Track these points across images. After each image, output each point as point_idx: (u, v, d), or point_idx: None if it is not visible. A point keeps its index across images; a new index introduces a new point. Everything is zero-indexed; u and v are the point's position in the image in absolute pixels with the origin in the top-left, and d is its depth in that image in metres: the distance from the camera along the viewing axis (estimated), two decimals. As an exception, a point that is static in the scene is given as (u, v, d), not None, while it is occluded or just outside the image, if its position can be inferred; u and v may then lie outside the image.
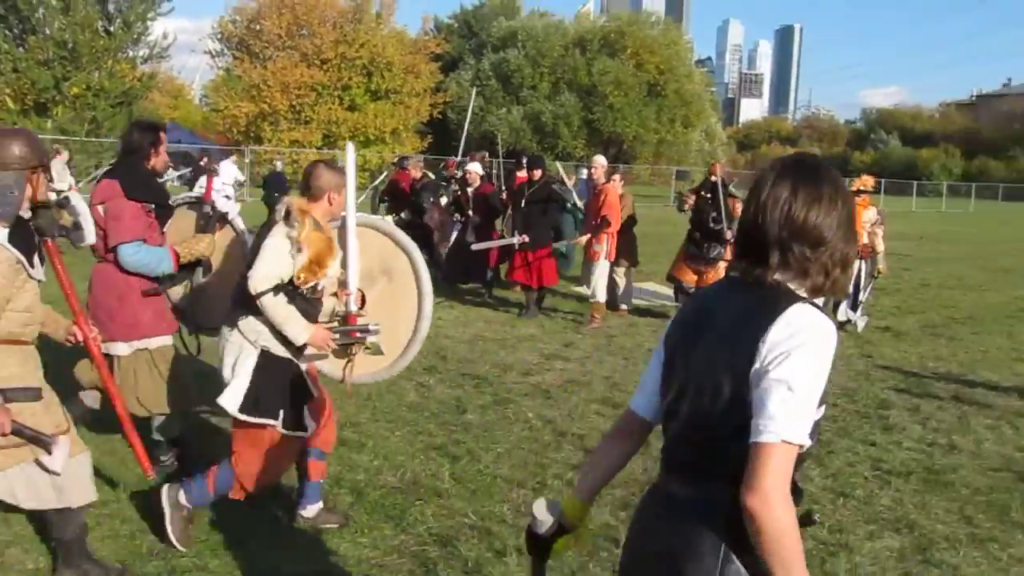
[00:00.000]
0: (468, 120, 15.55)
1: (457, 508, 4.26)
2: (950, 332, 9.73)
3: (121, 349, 4.20)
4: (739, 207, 9.95)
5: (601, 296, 9.44)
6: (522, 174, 10.69)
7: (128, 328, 4.18)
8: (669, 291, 10.43)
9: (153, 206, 4.22)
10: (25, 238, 3.07)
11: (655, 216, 20.80)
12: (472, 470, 4.78)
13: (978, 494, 4.68)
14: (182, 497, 3.69)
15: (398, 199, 13.26)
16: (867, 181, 9.33)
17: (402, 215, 12.36)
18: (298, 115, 40.16)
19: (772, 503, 1.56)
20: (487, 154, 14.54)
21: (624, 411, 2.08)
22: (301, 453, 3.86)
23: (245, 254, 4.15)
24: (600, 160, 10.55)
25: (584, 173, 13.07)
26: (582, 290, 10.22)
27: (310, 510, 3.95)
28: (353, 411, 5.72)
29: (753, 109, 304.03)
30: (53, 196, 3.53)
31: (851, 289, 9.30)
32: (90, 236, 3.81)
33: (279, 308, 3.52)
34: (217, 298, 4.24)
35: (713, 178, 9.41)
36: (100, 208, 4.09)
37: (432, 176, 14.88)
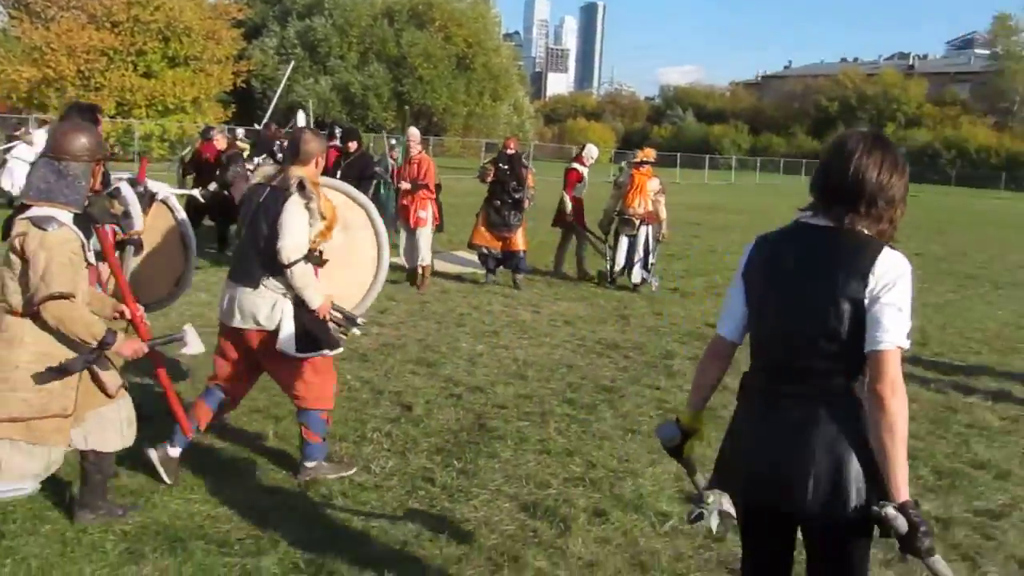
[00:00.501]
0: (282, 88, 15.40)
1: (282, 465, 4.49)
2: (730, 292, 10.77)
3: None
4: (532, 177, 10.74)
5: (429, 259, 9.86)
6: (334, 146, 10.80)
7: None
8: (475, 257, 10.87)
9: None
10: (83, 224, 3.39)
11: (464, 188, 21.25)
12: (293, 430, 5.01)
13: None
14: (305, 473, 4.28)
15: (203, 171, 12.92)
16: (649, 153, 10.09)
17: (209, 188, 12.07)
18: (87, 81, 37.54)
19: (897, 391, 2.16)
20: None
21: (714, 337, 2.59)
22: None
23: (184, 233, 4.68)
24: (414, 132, 10.86)
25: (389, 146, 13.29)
26: (398, 260, 10.47)
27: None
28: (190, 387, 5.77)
29: (560, 83, 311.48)
30: None
31: (642, 252, 10.13)
32: (138, 223, 4.25)
33: (307, 275, 4.03)
34: (150, 276, 4.63)
35: (509, 151, 10.15)
36: None
37: (242, 145, 14.53)
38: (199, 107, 41.82)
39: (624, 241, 10.23)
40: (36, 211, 3.25)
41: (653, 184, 10.12)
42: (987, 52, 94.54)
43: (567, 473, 4.57)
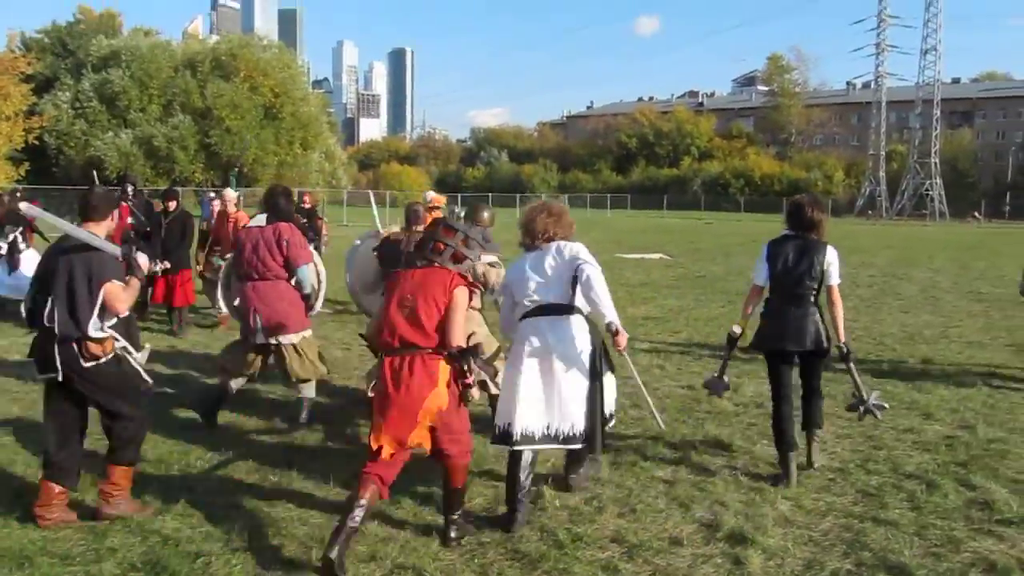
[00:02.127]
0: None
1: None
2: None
3: (292, 339, 6.38)
4: (326, 227, 11.99)
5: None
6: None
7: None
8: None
9: None
10: None
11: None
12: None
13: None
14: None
15: None
16: (439, 200, 10.86)
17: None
18: None
19: (837, 298, 5.47)
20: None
21: (752, 286, 5.65)
22: None
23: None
24: (230, 193, 11.66)
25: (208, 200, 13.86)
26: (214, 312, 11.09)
27: None
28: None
29: (372, 129, 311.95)
30: None
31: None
32: None
33: None
34: None
35: (306, 205, 11.93)
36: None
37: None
38: (-12, 166, 39.73)
39: None
40: None
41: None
42: (766, 88, 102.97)
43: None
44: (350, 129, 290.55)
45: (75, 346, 4.45)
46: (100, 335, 4.50)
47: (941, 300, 14.71)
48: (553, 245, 4.84)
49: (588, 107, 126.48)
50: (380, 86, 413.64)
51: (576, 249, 4.79)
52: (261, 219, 6.62)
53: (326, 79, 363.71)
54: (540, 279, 4.76)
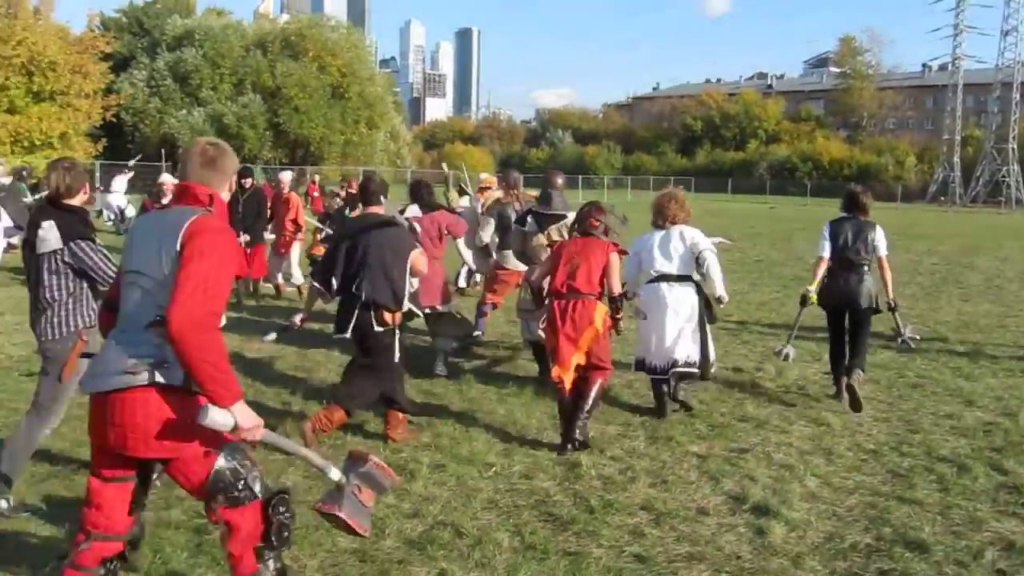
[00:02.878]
0: None
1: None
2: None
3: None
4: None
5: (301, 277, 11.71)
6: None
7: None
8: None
9: None
10: None
11: (343, 215, 22.15)
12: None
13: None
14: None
15: None
16: (491, 181, 11.12)
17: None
18: (-55, 118, 36.68)
19: (888, 264, 7.11)
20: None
21: (819, 257, 6.99)
22: None
23: None
24: (285, 175, 12.37)
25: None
26: (268, 288, 12.27)
27: None
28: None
29: (438, 108, 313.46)
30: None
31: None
32: None
33: None
34: None
35: (351, 191, 12.28)
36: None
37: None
38: (67, 142, 41.07)
39: None
40: None
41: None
42: (837, 70, 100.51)
43: (417, 442, 5.70)
44: (416, 109, 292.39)
45: (373, 314, 5.50)
46: (405, 306, 5.70)
47: (1004, 289, 14.47)
48: (677, 229, 6.49)
49: (654, 89, 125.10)
50: (446, 66, 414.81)
51: (695, 235, 6.43)
52: (414, 209, 8.03)
53: (393, 58, 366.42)
54: (665, 259, 6.40)
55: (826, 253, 6.94)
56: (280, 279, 12.07)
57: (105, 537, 3.06)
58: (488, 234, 8.37)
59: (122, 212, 20.93)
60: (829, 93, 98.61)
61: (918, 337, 7.90)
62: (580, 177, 61.54)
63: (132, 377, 2.85)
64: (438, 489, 4.87)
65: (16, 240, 15.28)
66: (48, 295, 4.37)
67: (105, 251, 4.50)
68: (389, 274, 5.51)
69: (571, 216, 6.96)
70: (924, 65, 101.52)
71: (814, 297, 6.99)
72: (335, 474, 3.26)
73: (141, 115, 52.13)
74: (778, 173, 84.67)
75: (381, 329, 5.54)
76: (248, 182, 11.35)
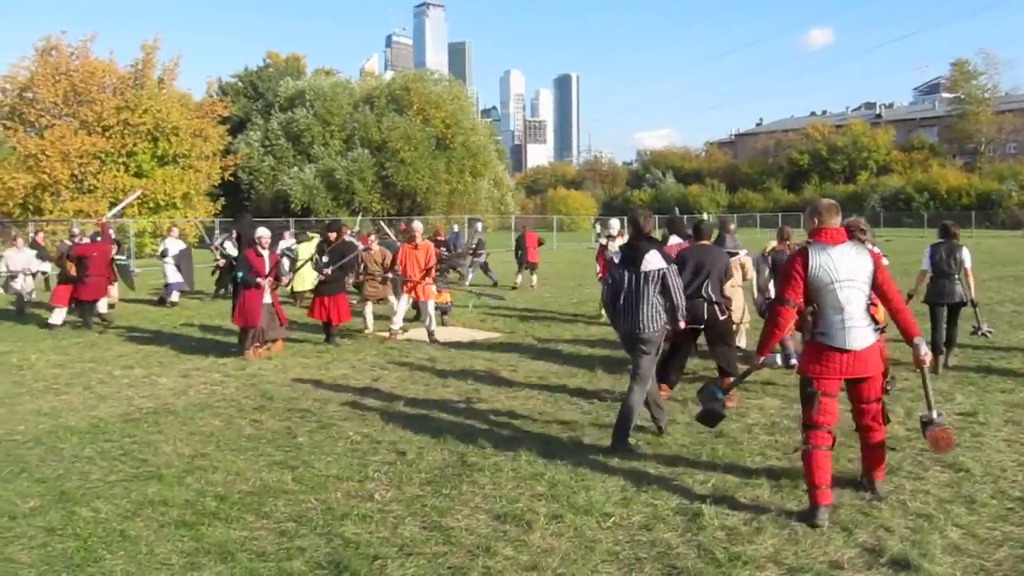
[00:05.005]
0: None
1: (301, 499, 5.53)
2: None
3: None
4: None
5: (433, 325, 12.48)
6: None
7: None
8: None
9: None
10: None
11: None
12: (308, 474, 6.06)
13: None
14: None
15: None
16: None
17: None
18: (80, 184, 39.05)
19: (973, 273, 9.93)
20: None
21: (920, 271, 9.99)
22: None
23: None
24: (417, 224, 13.07)
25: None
26: (384, 333, 12.62)
27: None
28: (199, 445, 6.84)
29: (540, 154, 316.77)
30: None
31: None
32: None
33: None
34: None
35: (440, 237, 14.14)
36: None
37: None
38: (189, 202, 43.23)
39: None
40: None
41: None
42: (950, 96, 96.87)
43: (532, 491, 5.63)
44: (517, 155, 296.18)
45: (717, 307, 8.10)
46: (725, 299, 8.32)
47: None
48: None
49: (757, 124, 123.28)
50: (546, 112, 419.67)
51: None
52: (674, 239, 10.73)
53: (494, 107, 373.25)
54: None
55: (927, 266, 9.90)
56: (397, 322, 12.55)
57: (829, 430, 5.21)
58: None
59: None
60: (942, 120, 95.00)
61: (993, 331, 10.63)
62: (684, 217, 60.70)
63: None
64: (556, 540, 4.78)
65: (175, 297, 17.47)
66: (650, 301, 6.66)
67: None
68: (723, 281, 8.33)
69: (742, 254, 10.25)
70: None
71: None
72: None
73: (256, 173, 54.47)
74: (891, 204, 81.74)
75: (723, 318, 8.17)
76: (333, 235, 12.64)
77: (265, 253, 11.32)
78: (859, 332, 5.15)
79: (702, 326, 8.09)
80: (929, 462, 6.15)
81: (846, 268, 5.16)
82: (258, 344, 11.20)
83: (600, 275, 14.90)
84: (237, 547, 4.70)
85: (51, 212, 37.43)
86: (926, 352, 5.29)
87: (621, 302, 6.66)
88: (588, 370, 10.03)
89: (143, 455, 6.59)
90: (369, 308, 13.47)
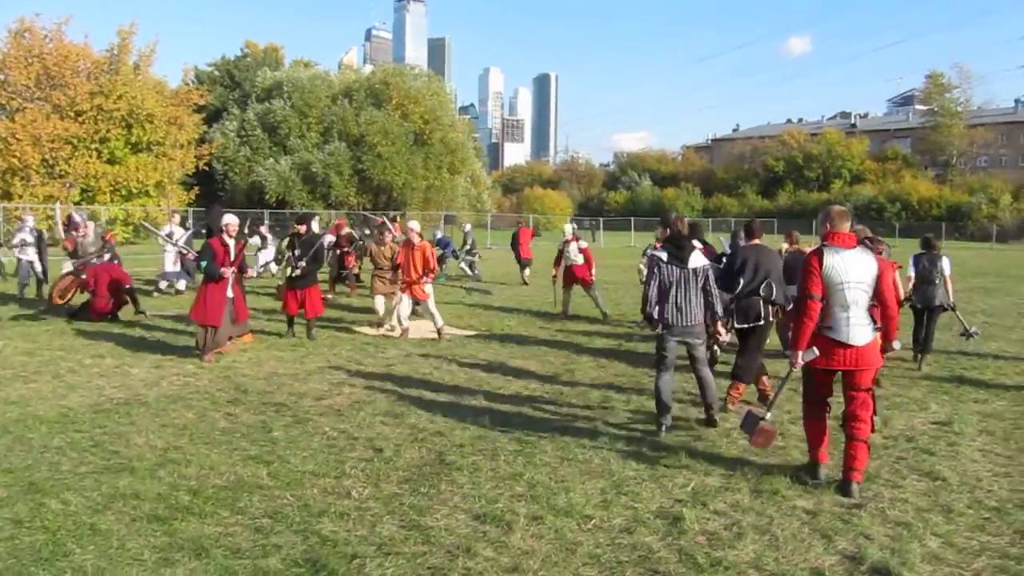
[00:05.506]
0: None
1: (277, 495, 5.44)
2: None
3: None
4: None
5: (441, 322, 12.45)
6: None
7: None
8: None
9: None
10: None
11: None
12: (284, 470, 5.97)
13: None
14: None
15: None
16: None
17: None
18: (51, 169, 38.43)
19: (951, 279, 10.97)
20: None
21: (906, 276, 10.69)
22: None
23: None
24: (414, 224, 12.65)
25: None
26: (386, 330, 12.87)
27: None
28: (172, 438, 6.72)
29: (517, 153, 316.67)
30: None
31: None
32: None
33: None
34: None
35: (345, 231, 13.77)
36: None
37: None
38: (162, 190, 42.72)
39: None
40: None
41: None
42: (924, 108, 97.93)
43: (511, 491, 5.58)
44: (495, 154, 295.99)
45: (770, 307, 8.06)
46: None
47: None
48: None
49: (734, 130, 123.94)
50: (525, 111, 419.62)
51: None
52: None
53: (472, 105, 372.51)
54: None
55: (913, 274, 10.76)
56: (402, 321, 12.39)
57: (826, 400, 5.98)
58: None
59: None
60: (915, 131, 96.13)
61: (979, 332, 11.82)
62: (658, 219, 60.85)
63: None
64: (537, 542, 4.73)
65: (182, 285, 17.35)
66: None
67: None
68: (781, 280, 8.17)
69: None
70: (1017, 101, 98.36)
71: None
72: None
73: (231, 163, 53.88)
74: (864, 213, 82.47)
75: (773, 320, 8.33)
76: (303, 228, 12.43)
77: (231, 242, 10.67)
78: (861, 329, 5.67)
79: (761, 323, 8.13)
80: (907, 470, 6.17)
81: (855, 271, 5.67)
82: (218, 348, 10.39)
83: (553, 276, 15.22)
84: (211, 543, 4.61)
85: (20, 197, 36.80)
86: (896, 349, 6.26)
87: (670, 299, 7.07)
88: (566, 369, 10.00)
89: (114, 447, 6.47)
90: (380, 301, 13.55)
